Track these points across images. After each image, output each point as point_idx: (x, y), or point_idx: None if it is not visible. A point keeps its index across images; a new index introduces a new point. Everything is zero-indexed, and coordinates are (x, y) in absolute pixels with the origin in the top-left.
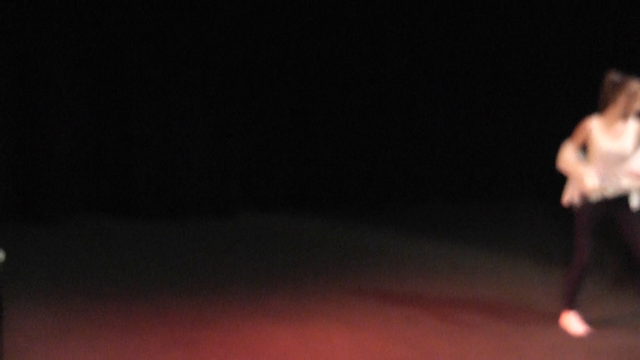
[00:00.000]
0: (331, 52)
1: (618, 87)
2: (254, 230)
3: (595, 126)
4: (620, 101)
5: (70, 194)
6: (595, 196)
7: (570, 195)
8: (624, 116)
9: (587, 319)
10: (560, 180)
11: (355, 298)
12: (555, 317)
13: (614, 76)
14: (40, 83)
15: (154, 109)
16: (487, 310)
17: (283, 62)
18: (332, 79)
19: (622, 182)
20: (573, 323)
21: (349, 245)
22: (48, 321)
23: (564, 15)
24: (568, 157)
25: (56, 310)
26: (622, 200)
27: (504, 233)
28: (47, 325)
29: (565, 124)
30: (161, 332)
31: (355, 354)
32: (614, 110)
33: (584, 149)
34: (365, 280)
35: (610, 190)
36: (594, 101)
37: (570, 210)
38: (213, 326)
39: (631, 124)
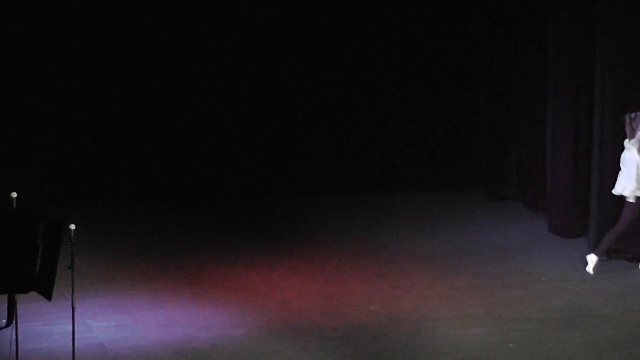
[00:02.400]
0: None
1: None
2: (249, 213)
3: None
4: None
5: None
6: None
7: (622, 189)
8: None
9: None
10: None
11: (305, 257)
12: (455, 268)
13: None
14: None
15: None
16: (390, 262)
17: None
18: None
19: None
20: (592, 264)
21: (311, 223)
22: (104, 270)
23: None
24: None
25: (109, 263)
26: None
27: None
28: (103, 272)
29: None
30: (177, 277)
31: (299, 289)
32: None
33: None
34: (316, 247)
35: None
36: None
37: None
38: (215, 273)
39: None
